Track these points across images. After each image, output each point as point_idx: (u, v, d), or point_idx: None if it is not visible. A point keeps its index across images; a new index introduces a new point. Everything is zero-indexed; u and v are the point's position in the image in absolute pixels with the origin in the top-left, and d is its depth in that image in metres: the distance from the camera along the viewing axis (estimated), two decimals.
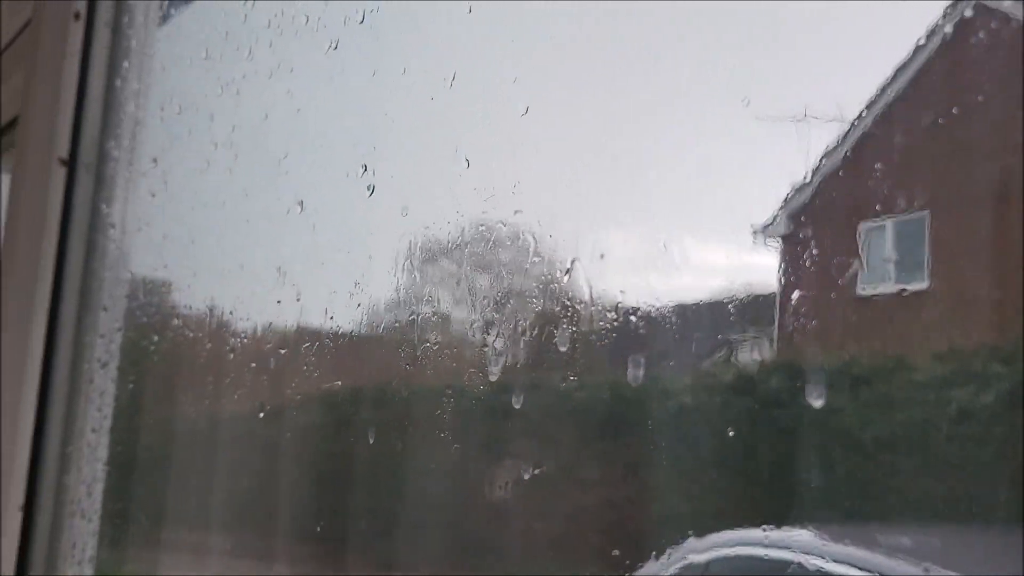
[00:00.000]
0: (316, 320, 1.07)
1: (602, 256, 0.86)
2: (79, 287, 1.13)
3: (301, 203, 1.04)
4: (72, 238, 1.14)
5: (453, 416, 0.99)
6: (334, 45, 1.03)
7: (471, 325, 1.00)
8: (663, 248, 0.83)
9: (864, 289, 0.74)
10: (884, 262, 0.73)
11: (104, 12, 1.16)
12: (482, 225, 0.95)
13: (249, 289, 1.15)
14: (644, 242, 0.85)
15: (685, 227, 0.82)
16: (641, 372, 0.85)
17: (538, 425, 0.92)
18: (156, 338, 1.19)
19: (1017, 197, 0.66)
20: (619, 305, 0.87)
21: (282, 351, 1.11)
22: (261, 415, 1.16)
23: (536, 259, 0.91)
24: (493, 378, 0.93)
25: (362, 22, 0.99)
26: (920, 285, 0.73)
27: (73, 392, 1.11)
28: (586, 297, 0.87)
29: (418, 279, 1.02)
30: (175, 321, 1.19)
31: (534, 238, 0.90)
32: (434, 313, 1.02)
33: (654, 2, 0.81)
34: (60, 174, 1.13)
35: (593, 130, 0.90)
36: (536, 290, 0.92)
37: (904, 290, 0.72)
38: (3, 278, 1.20)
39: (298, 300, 1.09)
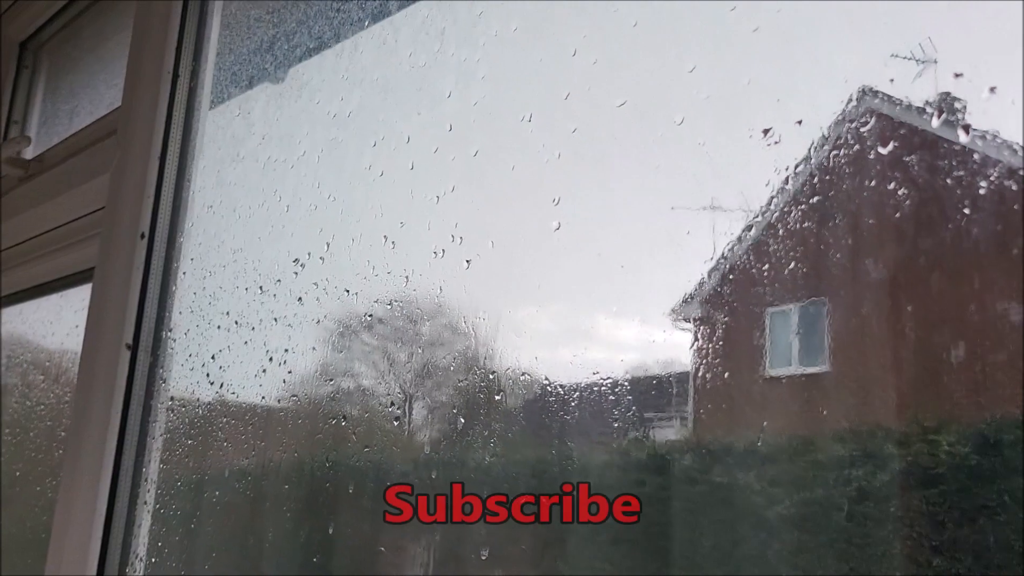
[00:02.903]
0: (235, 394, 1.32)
1: (523, 332, 0.92)
2: (136, 445, 1.48)
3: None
4: (132, 405, 1.49)
5: (369, 489, 1.10)
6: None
7: (390, 398, 1.09)
8: (581, 326, 0.87)
9: (770, 371, 0.76)
10: (788, 346, 0.76)
11: (161, 231, 1.56)
12: (402, 301, 1.07)
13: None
14: (562, 320, 0.90)
15: (602, 307, 0.86)
16: (557, 449, 0.89)
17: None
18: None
19: (905, 286, 0.70)
20: (537, 382, 0.90)
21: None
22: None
23: (456, 334, 1.00)
24: (410, 452, 1.04)
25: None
26: (821, 368, 0.74)
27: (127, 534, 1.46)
28: (505, 373, 0.94)
29: (338, 353, 1.16)
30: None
31: (454, 314, 1.00)
32: (354, 387, 1.13)
33: (575, 96, 0.93)
34: (126, 355, 1.51)
35: (516, 210, 1.01)
36: (455, 365, 0.99)
37: (806, 373, 0.74)
38: (74, 434, 1.53)
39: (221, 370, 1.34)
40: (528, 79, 1.04)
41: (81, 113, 2.22)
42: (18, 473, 2.01)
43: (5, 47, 2.55)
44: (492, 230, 1.04)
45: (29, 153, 2.31)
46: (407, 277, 1.12)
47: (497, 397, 0.95)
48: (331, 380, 1.18)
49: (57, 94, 2.48)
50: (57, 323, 2.03)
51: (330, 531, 1.13)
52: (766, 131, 0.80)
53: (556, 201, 0.96)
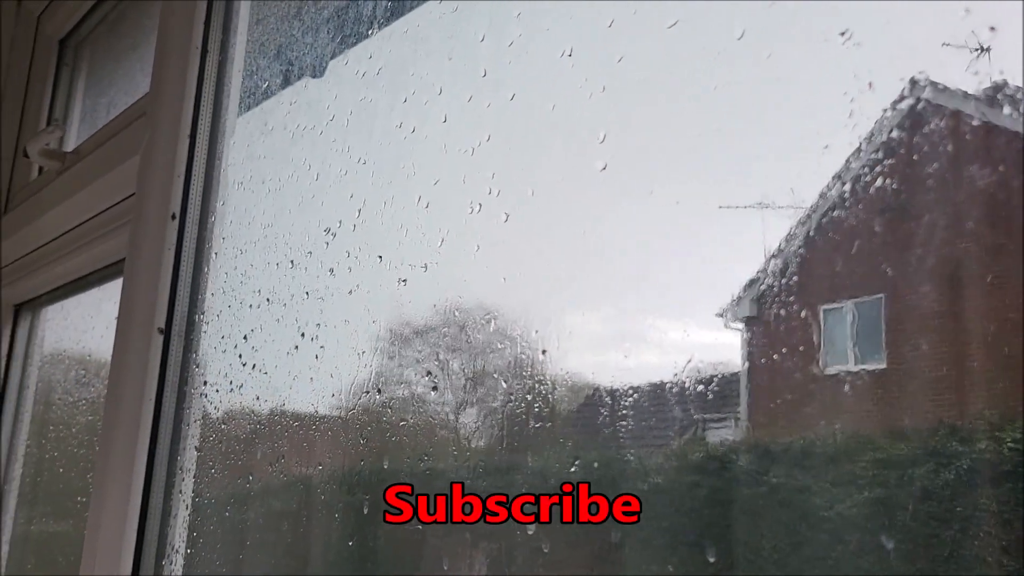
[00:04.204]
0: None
1: (571, 336, 0.88)
2: (171, 432, 1.41)
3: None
4: (166, 391, 1.42)
5: (406, 466, 1.04)
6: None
7: (443, 406, 1.03)
8: (632, 329, 0.84)
9: (826, 369, 0.75)
10: (844, 343, 0.74)
11: (192, 212, 1.49)
12: (457, 309, 1.00)
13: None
14: (613, 323, 0.86)
15: (653, 308, 0.83)
16: (611, 452, 0.86)
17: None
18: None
19: (967, 280, 0.68)
20: (589, 385, 0.88)
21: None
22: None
23: (507, 341, 0.94)
24: (465, 459, 0.98)
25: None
26: (879, 365, 0.73)
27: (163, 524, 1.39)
28: (557, 377, 0.90)
29: (391, 361, 1.08)
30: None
31: (506, 320, 0.94)
32: (407, 395, 1.06)
33: (622, 96, 0.87)
34: (159, 340, 1.44)
35: (557, 153, 0.94)
36: (507, 371, 0.94)
37: (864, 370, 0.73)
38: (109, 422, 1.47)
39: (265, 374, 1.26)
40: (568, 9, 0.94)
41: (119, 105, 2.18)
42: (61, 470, 1.97)
43: (44, 45, 2.54)
44: (532, 177, 0.94)
45: (70, 146, 2.28)
46: (442, 238, 1.03)
47: (547, 400, 0.91)
48: (363, 353, 1.09)
49: (98, 90, 2.46)
50: (97, 316, 1.98)
51: (365, 511, 1.05)
52: (842, 33, 0.69)
53: (602, 139, 0.86)
